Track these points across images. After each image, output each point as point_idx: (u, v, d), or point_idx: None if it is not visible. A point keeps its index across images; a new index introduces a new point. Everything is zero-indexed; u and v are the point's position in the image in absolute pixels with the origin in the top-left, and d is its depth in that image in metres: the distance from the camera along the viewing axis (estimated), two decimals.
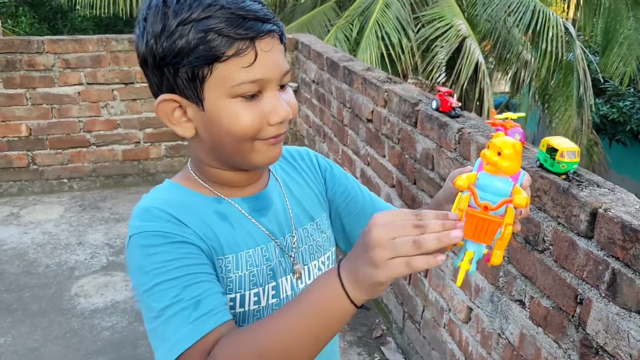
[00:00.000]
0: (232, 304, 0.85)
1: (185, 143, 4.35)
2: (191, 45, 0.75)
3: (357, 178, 2.84)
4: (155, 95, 0.83)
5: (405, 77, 6.72)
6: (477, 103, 6.37)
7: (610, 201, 1.28)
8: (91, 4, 6.62)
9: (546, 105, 7.32)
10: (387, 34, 6.06)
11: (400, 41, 6.11)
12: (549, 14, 6.36)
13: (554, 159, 1.38)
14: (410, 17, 6.34)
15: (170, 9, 0.76)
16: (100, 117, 4.14)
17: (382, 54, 6.05)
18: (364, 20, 6.31)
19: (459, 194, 0.69)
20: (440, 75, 6.34)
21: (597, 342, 1.29)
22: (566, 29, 6.41)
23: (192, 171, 0.90)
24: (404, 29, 6.20)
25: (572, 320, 1.39)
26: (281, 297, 0.91)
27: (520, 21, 6.36)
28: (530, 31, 6.43)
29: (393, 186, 2.54)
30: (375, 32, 6.03)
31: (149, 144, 4.31)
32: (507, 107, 9.21)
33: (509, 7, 6.39)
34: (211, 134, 0.82)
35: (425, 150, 2.17)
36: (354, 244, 1.04)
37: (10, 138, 4.01)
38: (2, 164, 4.05)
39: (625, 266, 1.20)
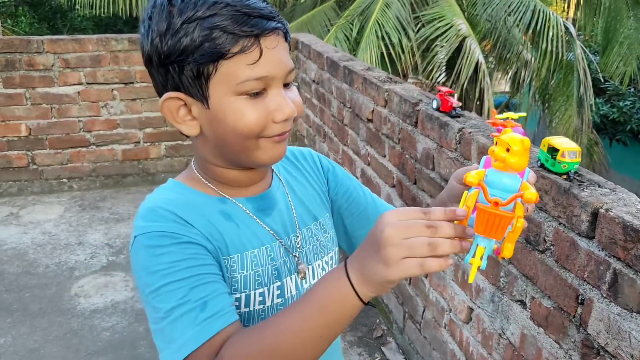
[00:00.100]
0: (237, 304, 0.85)
1: (185, 143, 4.35)
2: (196, 42, 0.75)
3: (357, 178, 2.84)
4: (160, 94, 0.83)
5: (405, 76, 6.71)
6: (477, 103, 6.37)
7: (612, 201, 1.28)
8: (91, 3, 6.62)
9: (546, 105, 7.32)
10: (387, 33, 6.06)
11: (400, 41, 6.11)
12: (549, 13, 6.36)
13: (555, 159, 1.37)
14: (411, 16, 6.34)
15: (175, 8, 0.77)
16: (100, 116, 4.14)
17: (382, 54, 6.04)
18: (364, 19, 6.30)
19: (465, 192, 0.70)
20: (440, 75, 6.34)
21: (598, 343, 1.29)
22: (566, 28, 6.41)
23: (196, 170, 0.90)
24: (404, 29, 6.20)
25: (573, 320, 1.38)
26: (286, 297, 0.91)
27: (520, 21, 6.36)
28: (530, 31, 6.43)
29: (393, 186, 2.53)
30: (376, 31, 6.02)
31: (148, 143, 4.30)
32: (507, 107, 9.21)
33: (509, 6, 6.38)
34: (216, 132, 0.81)
35: (425, 150, 2.17)
36: (355, 244, 1.06)
37: (10, 138, 4.01)
38: (2, 163, 4.04)
39: (627, 266, 1.19)
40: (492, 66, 7.37)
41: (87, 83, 4.03)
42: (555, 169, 1.39)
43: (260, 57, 0.77)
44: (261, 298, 0.87)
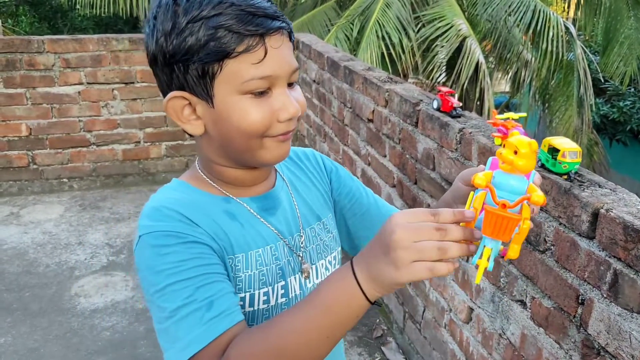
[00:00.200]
0: (241, 303, 0.85)
1: (186, 143, 4.35)
2: (201, 42, 0.76)
3: (358, 178, 2.84)
4: (164, 94, 0.83)
5: (405, 76, 6.71)
6: (478, 103, 6.37)
7: (612, 201, 1.28)
8: (91, 3, 6.61)
9: (546, 105, 7.32)
10: (387, 33, 6.06)
11: (400, 41, 6.10)
12: (550, 13, 6.35)
13: (555, 159, 1.37)
14: (411, 16, 6.34)
15: (181, 7, 0.77)
16: (101, 116, 4.14)
17: (382, 54, 6.04)
18: (365, 19, 6.30)
19: (471, 193, 0.71)
20: (440, 75, 6.34)
21: (598, 343, 1.29)
22: (567, 28, 6.41)
23: (200, 170, 0.90)
24: (405, 29, 6.20)
25: (573, 320, 1.39)
26: (290, 297, 0.91)
27: (520, 21, 6.36)
28: (530, 31, 6.42)
29: (394, 186, 2.53)
30: (376, 31, 6.02)
31: (149, 143, 4.30)
32: (508, 107, 9.21)
33: (509, 6, 6.38)
34: (220, 131, 0.82)
35: (426, 150, 2.17)
36: (357, 245, 1.06)
37: (11, 138, 4.01)
38: (2, 163, 4.05)
39: (627, 267, 1.19)
40: (493, 66, 7.37)
41: (88, 83, 4.04)
42: (556, 169, 1.39)
43: (265, 56, 0.77)
44: (265, 297, 0.88)
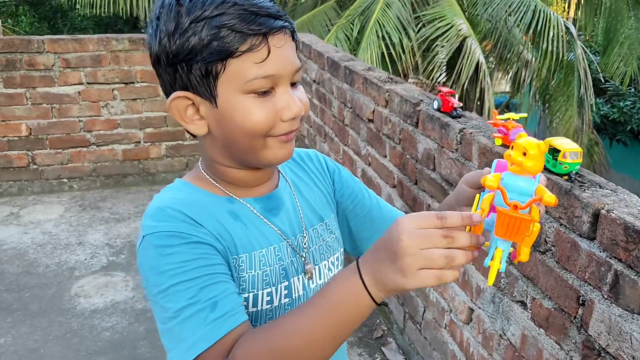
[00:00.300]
0: (245, 303, 0.85)
1: (186, 143, 4.35)
2: (204, 41, 0.76)
3: (358, 178, 2.84)
4: (168, 94, 0.83)
5: (405, 76, 6.71)
6: (478, 103, 6.37)
7: (613, 202, 1.27)
8: (91, 3, 6.61)
9: (547, 105, 7.31)
10: (387, 33, 6.05)
11: (400, 41, 6.10)
12: (550, 13, 6.35)
13: (556, 159, 1.37)
14: (411, 16, 6.33)
15: (184, 7, 0.77)
16: (101, 116, 4.13)
17: (382, 54, 6.04)
18: (365, 19, 6.30)
19: (477, 195, 0.71)
20: (440, 75, 6.34)
21: (599, 344, 1.29)
22: (567, 28, 6.40)
23: (203, 170, 0.90)
24: (405, 29, 6.20)
25: (574, 321, 1.38)
26: (293, 297, 0.91)
27: (521, 21, 6.36)
28: (531, 31, 6.42)
29: (394, 186, 2.53)
30: (376, 31, 6.02)
31: (149, 143, 4.30)
32: (508, 107, 9.21)
33: (509, 6, 6.38)
34: (224, 131, 0.82)
35: (426, 151, 2.16)
36: (359, 246, 1.06)
37: (10, 138, 4.01)
38: (2, 163, 4.04)
39: (628, 267, 1.19)
40: (493, 66, 7.37)
41: (88, 83, 4.03)
42: (557, 169, 1.38)
43: (268, 55, 0.77)
44: (269, 298, 0.88)
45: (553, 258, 1.45)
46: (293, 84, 0.83)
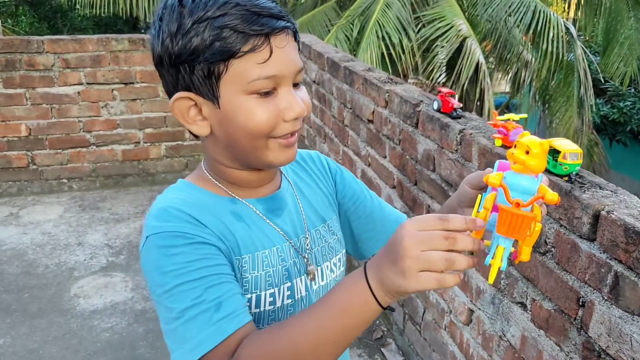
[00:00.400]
0: (247, 304, 0.85)
1: (186, 143, 4.35)
2: (207, 42, 0.76)
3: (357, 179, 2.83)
4: (170, 95, 0.84)
5: (405, 77, 6.71)
6: (478, 103, 6.36)
7: (613, 203, 1.27)
8: (91, 3, 6.61)
9: (547, 105, 7.31)
10: (387, 33, 6.05)
11: (400, 41, 6.10)
12: (550, 14, 6.35)
13: (556, 160, 1.37)
14: (411, 17, 6.33)
15: (186, 8, 0.77)
16: (100, 117, 4.13)
17: (382, 54, 6.04)
18: (365, 20, 6.30)
19: (479, 196, 0.72)
20: (440, 75, 6.33)
21: (599, 346, 1.28)
22: (567, 29, 6.40)
23: (206, 171, 0.90)
24: (405, 29, 6.20)
25: (574, 323, 1.38)
26: (296, 298, 0.91)
27: (520, 21, 6.36)
28: (530, 31, 6.42)
29: (394, 187, 2.53)
30: (376, 32, 6.02)
31: (148, 144, 4.30)
32: (508, 107, 9.21)
33: (509, 7, 6.38)
34: (226, 131, 0.82)
35: (426, 151, 2.16)
36: (361, 247, 1.07)
37: (10, 138, 4.01)
38: (2, 164, 4.04)
39: (628, 269, 1.19)
40: (493, 67, 7.37)
41: (87, 83, 4.03)
42: (557, 170, 1.38)
43: (270, 55, 0.77)
44: (272, 299, 0.88)
45: (553, 259, 1.45)
46: (295, 85, 0.83)
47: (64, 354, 2.54)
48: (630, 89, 9.01)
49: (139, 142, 4.27)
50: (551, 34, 6.24)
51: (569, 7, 9.78)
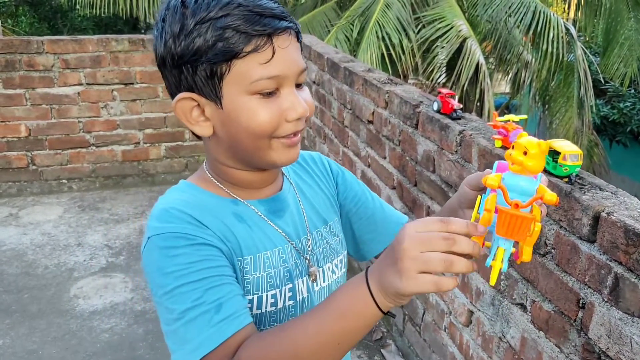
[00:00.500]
0: (249, 305, 0.85)
1: (185, 144, 4.35)
2: (209, 43, 0.76)
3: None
4: (173, 96, 0.83)
5: (405, 77, 6.71)
6: (478, 104, 6.36)
7: (613, 205, 1.27)
8: (91, 3, 6.61)
9: (547, 106, 7.31)
10: (387, 34, 6.05)
11: (400, 42, 6.10)
12: (550, 14, 6.35)
13: (556, 161, 1.37)
14: (411, 17, 6.33)
15: (189, 9, 0.77)
16: (100, 117, 4.13)
17: (382, 55, 6.04)
18: (365, 20, 6.30)
19: (479, 197, 0.72)
20: (440, 75, 6.33)
21: (599, 347, 1.28)
22: (567, 29, 6.40)
23: (207, 172, 0.90)
24: (405, 30, 6.19)
25: (574, 324, 1.38)
26: (297, 299, 0.91)
27: (521, 22, 6.36)
28: (531, 32, 6.42)
29: (394, 188, 2.53)
30: (376, 32, 6.02)
31: (148, 144, 4.30)
32: (508, 108, 9.21)
33: (509, 7, 6.38)
34: (229, 132, 0.82)
35: (426, 152, 2.16)
36: (362, 248, 1.07)
37: (10, 138, 4.00)
38: (1, 164, 4.04)
39: (628, 271, 1.19)
40: (493, 67, 7.37)
41: (87, 84, 4.03)
42: (557, 172, 1.38)
43: (273, 56, 0.77)
44: (273, 300, 0.88)
45: (553, 261, 1.44)
46: (298, 85, 0.83)
47: (63, 354, 2.53)
48: (630, 90, 9.01)
49: (138, 143, 4.27)
50: (551, 35, 6.24)
51: (569, 7, 9.78)
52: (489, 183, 0.66)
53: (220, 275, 0.78)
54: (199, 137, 0.87)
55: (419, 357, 2.38)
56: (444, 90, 2.07)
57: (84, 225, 3.73)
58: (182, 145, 4.35)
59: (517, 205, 0.64)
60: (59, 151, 4.13)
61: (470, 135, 1.82)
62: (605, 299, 1.26)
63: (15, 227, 3.68)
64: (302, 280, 0.92)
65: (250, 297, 0.85)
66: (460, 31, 5.99)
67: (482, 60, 5.97)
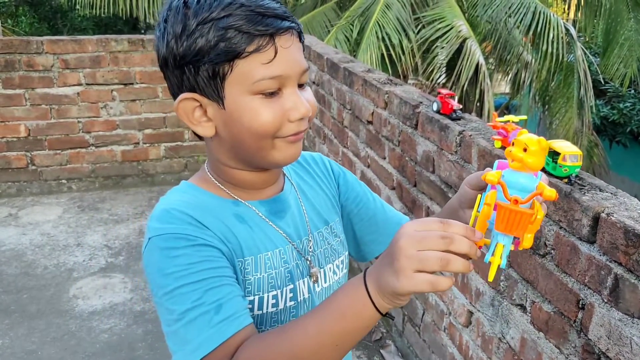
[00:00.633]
0: (250, 306, 0.85)
1: (185, 144, 4.34)
2: (211, 43, 0.76)
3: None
4: (175, 97, 0.83)
5: (405, 78, 6.70)
6: (478, 104, 6.36)
7: (613, 205, 1.27)
8: (91, 3, 6.61)
9: (546, 106, 7.31)
10: (387, 34, 6.05)
11: (400, 42, 6.10)
12: (550, 15, 6.35)
13: (556, 162, 1.36)
14: (411, 17, 6.33)
15: (191, 10, 0.77)
16: (100, 117, 4.13)
17: (382, 55, 6.04)
18: (365, 20, 6.30)
19: (479, 196, 0.72)
20: (440, 76, 6.33)
21: (599, 348, 1.28)
22: (567, 30, 6.40)
23: (209, 173, 0.90)
24: (405, 30, 6.19)
25: (573, 325, 1.38)
26: (298, 300, 0.91)
27: (520, 22, 6.36)
28: (530, 32, 6.42)
29: (393, 188, 2.52)
30: (376, 32, 6.01)
31: (148, 144, 4.29)
32: (507, 108, 9.21)
33: (509, 8, 6.38)
34: (231, 132, 0.82)
35: (425, 153, 2.16)
36: (363, 249, 1.07)
37: (9, 138, 4.00)
38: (1, 164, 4.04)
39: (628, 271, 1.19)
40: (493, 67, 7.37)
41: (87, 84, 4.03)
42: (557, 172, 1.38)
43: (275, 56, 0.77)
44: (274, 301, 0.88)
45: (553, 261, 1.44)
46: (301, 86, 0.83)
47: (62, 355, 2.53)
48: (630, 90, 9.01)
49: (138, 143, 4.27)
50: (551, 35, 6.24)
51: (569, 8, 9.78)
52: (488, 179, 0.66)
53: (221, 276, 0.78)
54: (200, 138, 0.87)
55: (419, 358, 2.38)
56: (444, 91, 2.07)
57: (84, 225, 3.72)
58: (181, 146, 4.35)
59: (516, 201, 0.65)
60: (58, 151, 4.12)
61: (470, 135, 1.82)
62: (605, 300, 1.25)
63: (15, 227, 3.68)
64: (303, 281, 0.92)
65: (251, 297, 0.85)
66: (460, 31, 5.98)
67: (482, 60, 5.97)
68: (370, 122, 2.71)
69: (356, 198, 1.05)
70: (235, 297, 0.78)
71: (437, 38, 6.08)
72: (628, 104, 9.03)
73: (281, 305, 0.88)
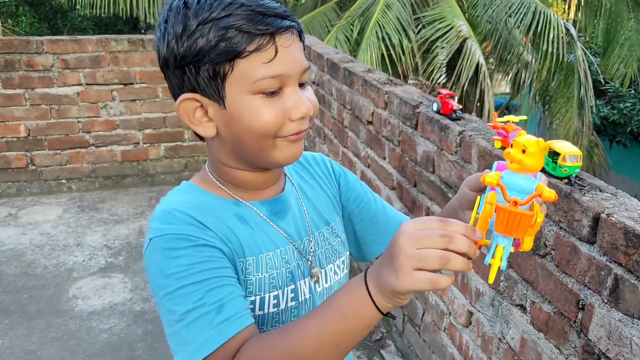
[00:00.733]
0: (251, 306, 0.85)
1: (185, 144, 4.34)
2: (212, 43, 0.76)
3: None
4: (176, 97, 0.83)
5: (405, 78, 6.70)
6: (478, 104, 6.36)
7: (613, 206, 1.26)
8: (91, 3, 6.61)
9: (547, 106, 7.31)
10: (387, 34, 6.05)
11: (400, 42, 6.10)
12: (550, 15, 6.35)
13: (556, 162, 1.36)
14: (411, 17, 6.33)
15: (191, 10, 0.77)
16: (99, 117, 4.13)
17: (382, 55, 6.04)
18: (365, 20, 6.29)
19: (478, 197, 0.72)
20: (440, 76, 6.33)
21: (599, 349, 1.28)
22: (567, 30, 6.40)
23: (209, 173, 0.90)
24: (405, 30, 6.19)
25: (573, 325, 1.37)
26: (300, 300, 0.91)
27: (521, 22, 6.35)
28: (531, 32, 6.42)
29: (393, 188, 2.52)
30: (376, 32, 6.01)
31: (148, 144, 4.29)
32: (508, 108, 9.20)
33: (509, 8, 6.37)
34: (232, 132, 0.82)
35: (425, 153, 2.16)
36: (364, 250, 1.07)
37: (9, 138, 4.00)
38: (1, 164, 4.04)
39: (628, 272, 1.18)
40: (493, 67, 7.36)
41: (87, 84, 4.03)
42: (556, 173, 1.38)
43: (275, 55, 0.77)
44: (275, 301, 0.88)
45: (553, 262, 1.44)
46: (301, 85, 0.83)
47: (62, 355, 2.53)
48: (630, 90, 9.01)
49: (138, 143, 4.27)
50: (551, 35, 6.23)
51: (569, 8, 9.78)
52: (487, 180, 0.66)
53: (222, 276, 0.78)
54: (201, 138, 0.87)
55: (419, 358, 2.37)
56: (444, 91, 2.07)
57: (83, 225, 3.72)
58: (181, 146, 4.35)
59: (515, 203, 0.64)
60: (58, 151, 4.12)
61: (470, 135, 1.82)
62: (605, 300, 1.25)
63: (15, 227, 3.68)
64: (305, 281, 0.92)
65: (252, 298, 0.85)
66: (460, 31, 5.98)
67: (482, 60, 5.97)
68: (370, 122, 2.71)
69: (357, 198, 1.05)
70: (236, 298, 0.78)
71: (437, 38, 6.08)
72: (628, 104, 9.02)
73: (282, 306, 0.88)
